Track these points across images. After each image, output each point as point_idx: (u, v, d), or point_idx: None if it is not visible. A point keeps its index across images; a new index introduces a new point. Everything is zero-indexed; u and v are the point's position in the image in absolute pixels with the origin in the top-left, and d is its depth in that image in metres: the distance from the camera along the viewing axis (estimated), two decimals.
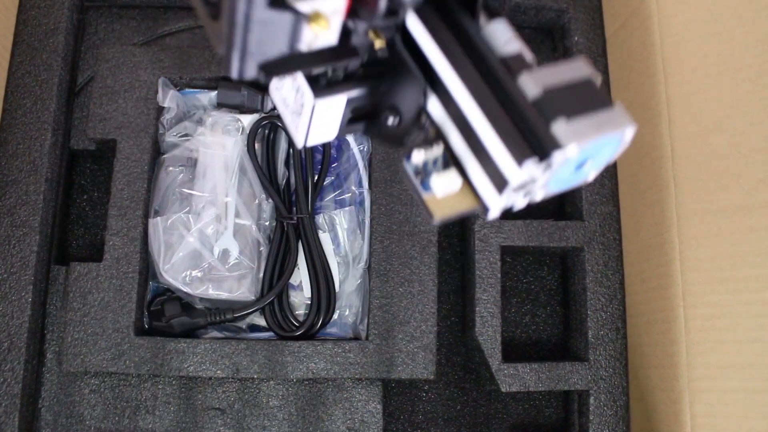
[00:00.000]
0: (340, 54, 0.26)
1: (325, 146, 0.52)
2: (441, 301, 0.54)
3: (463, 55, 0.25)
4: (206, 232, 0.48)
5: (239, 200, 0.49)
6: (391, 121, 0.28)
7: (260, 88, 0.52)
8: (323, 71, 0.28)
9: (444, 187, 0.26)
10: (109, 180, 0.50)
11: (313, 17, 0.23)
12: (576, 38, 0.55)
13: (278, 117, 0.51)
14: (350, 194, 0.52)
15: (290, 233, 0.50)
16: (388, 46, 0.27)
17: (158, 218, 0.49)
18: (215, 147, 0.50)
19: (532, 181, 0.23)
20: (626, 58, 0.55)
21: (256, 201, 0.50)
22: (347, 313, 0.50)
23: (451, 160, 0.26)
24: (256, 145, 0.51)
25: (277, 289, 0.49)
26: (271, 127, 0.52)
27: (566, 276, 0.55)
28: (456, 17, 0.26)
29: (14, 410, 0.46)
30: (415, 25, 0.26)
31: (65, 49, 0.52)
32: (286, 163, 0.52)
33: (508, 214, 0.54)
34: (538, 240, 0.51)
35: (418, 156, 0.26)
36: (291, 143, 0.52)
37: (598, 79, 0.24)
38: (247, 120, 0.51)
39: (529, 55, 0.25)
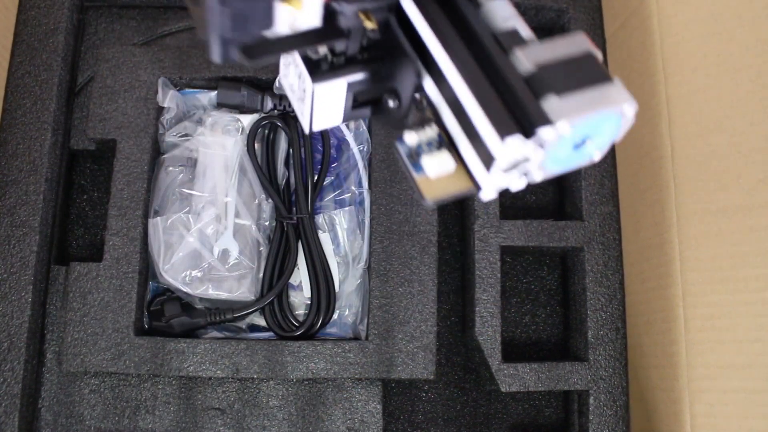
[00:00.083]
0: (325, 36, 0.26)
1: (325, 146, 0.52)
2: (441, 301, 0.54)
3: (454, 33, 0.25)
4: (206, 232, 0.48)
5: (239, 200, 0.49)
6: (391, 104, 0.28)
7: (260, 88, 0.52)
8: (323, 56, 0.28)
9: (436, 167, 0.25)
10: (109, 180, 0.50)
11: None
12: None
13: (278, 117, 0.51)
14: (350, 194, 0.52)
15: (290, 233, 0.50)
16: (384, 28, 0.27)
17: (158, 218, 0.49)
18: (215, 147, 0.50)
19: (525, 160, 0.23)
20: (626, 58, 0.55)
21: (256, 201, 0.50)
22: (347, 313, 0.50)
23: (447, 142, 0.26)
24: (256, 145, 0.51)
25: (277, 289, 0.49)
26: (270, 127, 0.52)
27: (566, 276, 0.55)
28: None
29: (14, 410, 0.46)
30: (408, 4, 0.26)
31: (65, 49, 0.52)
32: (286, 163, 0.52)
33: (508, 214, 0.54)
34: (538, 240, 0.51)
35: (411, 137, 0.26)
36: (291, 143, 0.52)
37: (599, 55, 0.23)
38: (247, 120, 0.51)
39: (526, 32, 0.24)
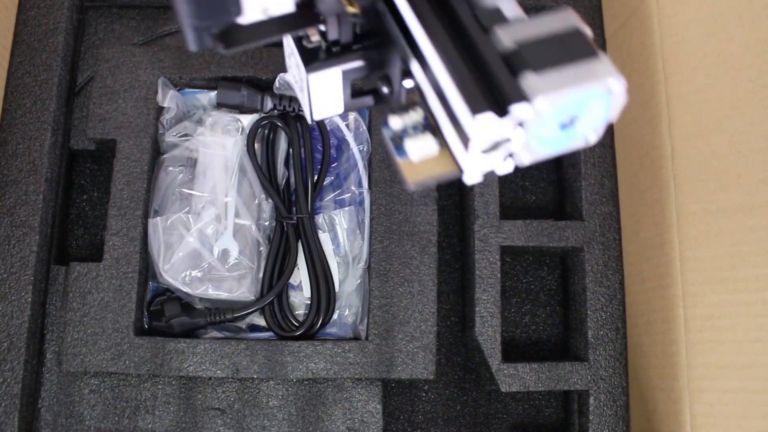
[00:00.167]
0: (302, 21, 0.26)
1: (325, 146, 0.52)
2: (441, 301, 0.54)
3: (435, 14, 0.24)
4: (206, 232, 0.48)
5: (239, 200, 0.49)
6: (385, 90, 0.28)
7: (260, 88, 0.52)
8: (318, 45, 0.28)
9: (419, 150, 0.25)
10: (108, 180, 0.50)
11: None
12: None
13: (278, 117, 0.51)
14: (350, 194, 0.52)
15: (290, 233, 0.50)
16: (375, 14, 0.27)
17: (158, 218, 0.49)
18: (215, 147, 0.50)
19: (506, 141, 0.22)
20: (626, 58, 0.55)
21: (256, 201, 0.50)
22: (347, 313, 0.50)
23: (434, 126, 0.26)
24: (256, 145, 0.51)
25: (276, 289, 0.49)
26: (270, 127, 0.52)
27: (566, 276, 0.55)
28: None
29: (14, 410, 0.46)
30: None
31: (65, 49, 0.52)
32: (286, 163, 0.52)
33: (508, 214, 0.54)
34: (538, 240, 0.51)
35: (396, 122, 0.26)
36: (291, 143, 0.52)
37: (587, 30, 0.22)
38: (247, 120, 0.51)
39: (513, 11, 0.24)
